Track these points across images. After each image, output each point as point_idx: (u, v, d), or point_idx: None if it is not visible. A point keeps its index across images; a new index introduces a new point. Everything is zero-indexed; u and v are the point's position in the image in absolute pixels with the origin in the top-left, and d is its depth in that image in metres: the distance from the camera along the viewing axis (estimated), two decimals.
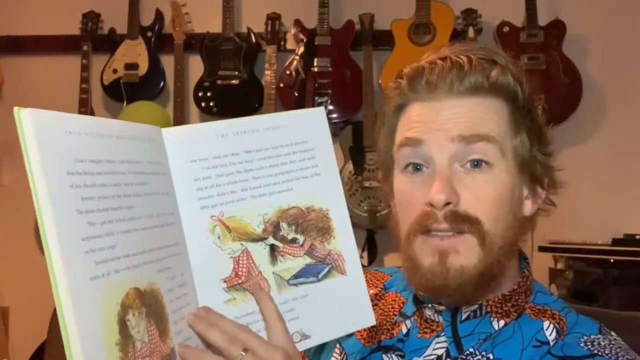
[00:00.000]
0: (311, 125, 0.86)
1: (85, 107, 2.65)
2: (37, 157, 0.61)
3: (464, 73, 0.82)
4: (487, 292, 0.86)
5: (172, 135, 0.78)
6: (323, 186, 0.85)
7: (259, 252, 0.81)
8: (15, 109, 0.62)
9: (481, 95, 0.83)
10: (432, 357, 0.86)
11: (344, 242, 0.86)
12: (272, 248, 0.82)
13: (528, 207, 0.87)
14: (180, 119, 2.65)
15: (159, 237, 0.73)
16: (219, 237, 0.79)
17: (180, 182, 0.77)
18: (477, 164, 0.82)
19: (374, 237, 2.56)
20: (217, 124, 0.81)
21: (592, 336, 0.83)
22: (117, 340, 0.64)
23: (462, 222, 0.80)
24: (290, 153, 0.84)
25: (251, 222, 0.80)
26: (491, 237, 0.81)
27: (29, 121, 0.61)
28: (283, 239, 0.82)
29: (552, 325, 0.84)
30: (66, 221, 0.61)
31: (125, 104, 2.69)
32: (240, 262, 0.80)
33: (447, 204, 0.80)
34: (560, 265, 2.26)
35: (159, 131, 0.77)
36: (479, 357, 0.84)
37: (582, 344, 0.82)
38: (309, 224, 0.84)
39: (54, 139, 0.62)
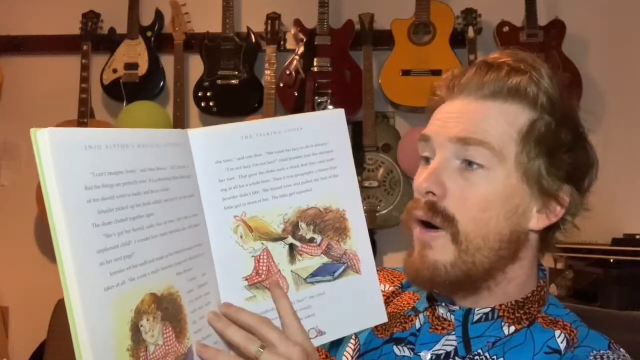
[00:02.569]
0: (331, 127, 0.88)
1: (85, 107, 2.65)
2: (53, 177, 0.62)
3: (485, 79, 0.85)
4: (483, 294, 0.88)
5: (199, 137, 0.80)
6: (341, 187, 0.87)
7: (279, 251, 0.83)
8: (32, 130, 0.63)
9: (499, 101, 0.85)
10: (441, 352, 0.88)
11: (360, 242, 0.88)
12: (291, 247, 0.84)
13: (536, 221, 0.87)
14: (180, 119, 2.65)
15: (179, 240, 0.75)
16: (241, 237, 0.81)
17: (206, 183, 0.80)
18: (472, 165, 0.84)
19: (373, 237, 2.55)
20: (242, 126, 0.84)
21: (602, 351, 0.84)
22: (129, 346, 0.67)
23: (436, 215, 0.84)
24: (311, 155, 0.86)
25: (272, 222, 0.83)
26: (468, 237, 0.84)
27: (46, 142, 0.63)
28: (302, 239, 0.85)
29: (563, 335, 0.86)
30: (81, 236, 0.63)
31: (125, 104, 2.69)
32: (261, 261, 0.82)
33: (431, 193, 0.85)
34: (560, 265, 2.26)
35: (186, 134, 0.79)
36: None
37: (592, 358, 0.84)
38: (327, 225, 0.86)
39: (72, 157, 0.64)
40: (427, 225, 0.86)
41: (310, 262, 0.85)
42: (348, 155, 0.89)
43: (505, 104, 0.85)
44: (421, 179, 0.86)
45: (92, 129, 0.69)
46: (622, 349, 0.86)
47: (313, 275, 0.85)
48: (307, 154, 0.85)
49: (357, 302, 0.88)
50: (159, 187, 0.73)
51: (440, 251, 0.85)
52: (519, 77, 0.85)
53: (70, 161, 0.64)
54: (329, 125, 0.88)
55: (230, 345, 0.79)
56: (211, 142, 0.81)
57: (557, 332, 0.86)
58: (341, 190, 0.87)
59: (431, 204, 0.85)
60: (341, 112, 0.89)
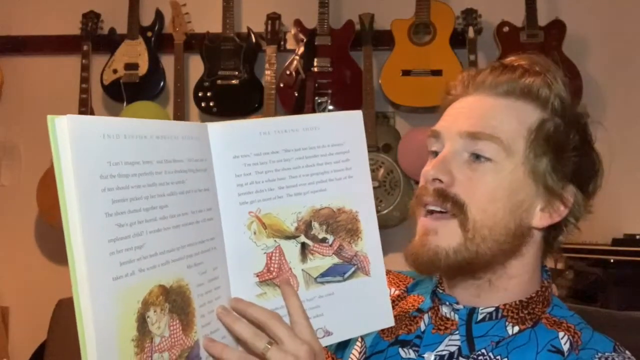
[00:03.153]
0: (348, 128, 0.89)
1: (85, 107, 2.65)
2: (69, 164, 0.62)
3: (499, 79, 0.87)
4: (483, 287, 0.89)
5: (218, 131, 0.80)
6: (354, 188, 0.88)
7: (291, 249, 0.83)
8: (49, 117, 0.63)
9: (511, 99, 0.87)
10: (444, 352, 0.89)
11: (370, 244, 0.89)
12: (303, 246, 0.84)
13: (539, 219, 0.88)
14: (180, 119, 2.65)
15: (192, 233, 0.75)
16: (254, 233, 0.81)
17: (222, 177, 0.80)
18: (479, 157, 0.85)
19: None
20: (261, 122, 0.84)
21: (607, 353, 0.85)
22: (134, 336, 0.67)
23: (446, 200, 0.85)
24: (327, 154, 0.86)
25: (285, 219, 0.83)
26: (475, 225, 0.84)
27: (64, 128, 0.63)
28: (314, 238, 0.85)
29: (566, 337, 0.86)
30: (93, 224, 0.64)
31: (125, 104, 2.69)
32: (273, 258, 0.83)
33: (438, 180, 0.86)
34: (560, 265, 2.26)
35: (205, 127, 0.80)
36: (493, 359, 0.86)
37: None
38: (339, 225, 0.86)
39: (90, 144, 0.64)
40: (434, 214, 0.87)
41: (321, 261, 0.85)
42: (363, 157, 0.89)
43: (516, 102, 0.87)
44: (429, 166, 0.87)
45: (111, 117, 0.69)
46: (627, 351, 0.86)
47: (323, 275, 0.85)
48: (323, 154, 0.86)
49: (365, 304, 0.88)
50: (174, 179, 0.73)
51: (446, 237, 0.85)
52: (532, 78, 0.87)
53: (87, 149, 0.64)
54: (346, 125, 0.88)
55: (238, 341, 0.80)
56: (230, 137, 0.81)
57: (561, 334, 0.87)
58: (355, 191, 0.88)
59: (440, 191, 0.86)
60: (359, 113, 0.90)
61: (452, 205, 0.85)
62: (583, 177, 0.89)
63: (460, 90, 0.91)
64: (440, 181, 0.85)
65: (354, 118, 0.89)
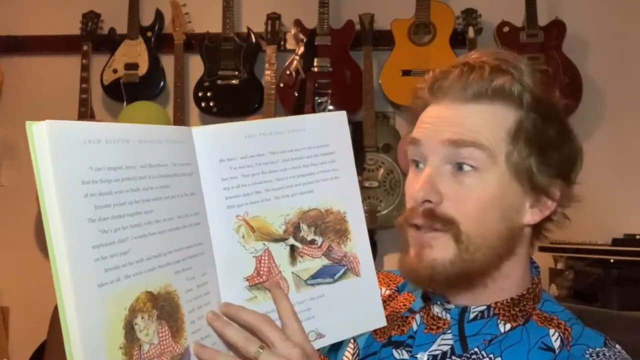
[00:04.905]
0: (333, 129, 0.88)
1: (85, 107, 2.65)
2: (49, 170, 0.61)
3: (468, 81, 0.85)
4: (479, 291, 0.88)
5: (202, 135, 0.80)
6: (342, 189, 0.87)
7: (280, 252, 0.83)
8: (28, 123, 0.62)
9: (484, 102, 0.85)
10: (437, 352, 0.88)
11: (359, 244, 0.88)
12: (292, 248, 0.84)
13: (529, 216, 0.87)
14: (180, 119, 2.65)
15: (179, 238, 0.74)
16: (243, 237, 0.81)
17: (208, 181, 0.79)
18: (463, 167, 0.84)
19: (373, 238, 2.55)
20: (246, 125, 0.83)
21: (598, 348, 0.85)
22: (122, 344, 0.66)
23: (435, 220, 0.84)
24: (312, 156, 0.86)
25: (273, 222, 0.83)
26: (469, 236, 0.84)
27: (44, 134, 0.62)
28: (303, 240, 0.85)
29: (557, 334, 0.87)
30: (76, 231, 0.63)
31: (125, 104, 2.69)
32: (262, 261, 0.82)
33: (427, 201, 0.85)
34: (560, 265, 2.26)
35: (189, 131, 0.79)
36: (485, 358, 0.86)
37: (587, 356, 0.84)
38: (327, 226, 0.86)
39: (70, 150, 0.63)
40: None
41: (311, 263, 0.85)
42: (349, 157, 0.89)
43: (490, 105, 0.85)
44: (417, 187, 0.86)
45: (92, 122, 0.68)
46: (617, 345, 0.87)
47: (313, 277, 0.85)
48: (309, 155, 0.85)
49: (357, 305, 0.87)
50: (158, 183, 0.72)
51: (440, 249, 0.85)
52: (501, 76, 0.85)
53: (67, 155, 0.63)
54: (331, 126, 0.88)
55: (229, 346, 0.79)
56: (215, 140, 0.80)
57: (552, 331, 0.87)
58: (342, 192, 0.87)
59: (429, 212, 0.85)
60: (343, 114, 0.89)
61: (441, 224, 0.84)
62: (567, 168, 0.88)
63: (429, 95, 0.89)
64: (429, 201, 0.85)
65: (339, 119, 0.89)
